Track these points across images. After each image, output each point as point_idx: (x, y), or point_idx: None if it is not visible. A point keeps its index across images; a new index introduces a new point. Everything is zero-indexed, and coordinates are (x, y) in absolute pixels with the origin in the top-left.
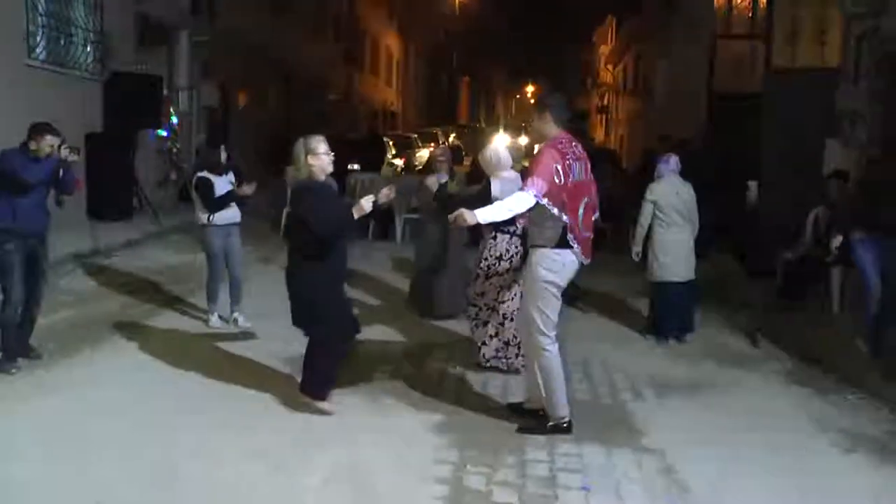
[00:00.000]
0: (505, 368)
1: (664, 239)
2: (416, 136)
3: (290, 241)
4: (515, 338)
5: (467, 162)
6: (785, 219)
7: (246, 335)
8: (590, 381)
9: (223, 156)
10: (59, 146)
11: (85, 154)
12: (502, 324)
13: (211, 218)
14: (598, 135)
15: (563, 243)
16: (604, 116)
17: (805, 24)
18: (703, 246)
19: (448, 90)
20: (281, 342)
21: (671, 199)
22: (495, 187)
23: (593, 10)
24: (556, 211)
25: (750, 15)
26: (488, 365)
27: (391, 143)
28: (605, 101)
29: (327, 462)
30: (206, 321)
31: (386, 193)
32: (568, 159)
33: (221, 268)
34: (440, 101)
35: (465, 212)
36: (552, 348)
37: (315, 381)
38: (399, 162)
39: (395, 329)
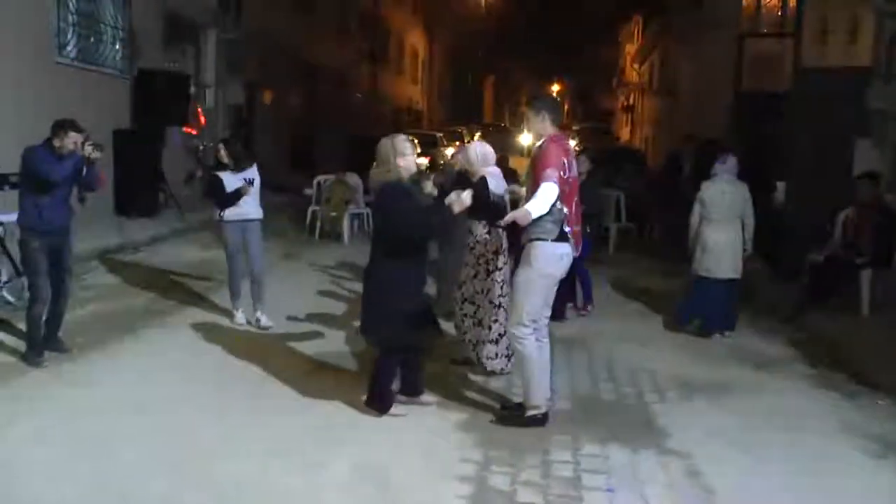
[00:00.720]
0: (510, 370)
1: (706, 236)
2: (440, 134)
3: (374, 242)
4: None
5: None
6: (813, 220)
7: (270, 333)
8: (615, 382)
9: (224, 153)
10: (83, 143)
11: (112, 151)
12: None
13: (221, 214)
14: (624, 134)
15: (561, 237)
16: (629, 116)
17: (835, 23)
18: None
19: (473, 89)
20: (306, 340)
21: (716, 198)
22: (491, 183)
23: (619, 10)
24: (558, 203)
25: (779, 13)
26: (500, 370)
27: (415, 141)
28: (631, 101)
29: (351, 459)
30: (231, 317)
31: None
32: (569, 155)
33: (240, 264)
34: (465, 100)
35: (519, 212)
36: (529, 337)
37: (378, 395)
38: (424, 160)
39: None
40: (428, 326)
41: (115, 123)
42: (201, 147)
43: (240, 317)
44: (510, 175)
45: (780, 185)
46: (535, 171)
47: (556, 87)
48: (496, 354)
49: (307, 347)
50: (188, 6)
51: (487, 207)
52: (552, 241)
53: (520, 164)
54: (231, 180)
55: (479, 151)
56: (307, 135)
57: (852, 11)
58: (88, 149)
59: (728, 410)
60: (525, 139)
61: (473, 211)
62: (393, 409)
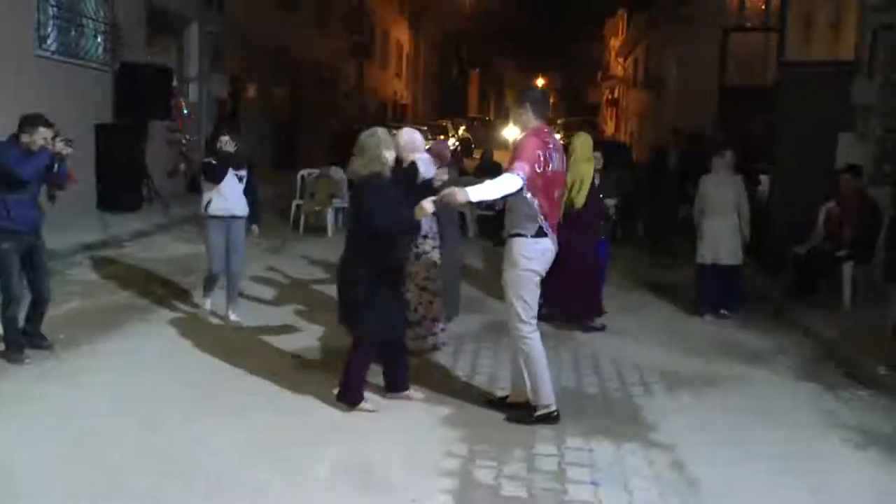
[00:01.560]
0: (431, 348)
1: (704, 226)
2: (425, 128)
3: (348, 235)
4: (443, 312)
5: (477, 155)
6: (797, 213)
7: (255, 327)
8: (599, 376)
9: (224, 144)
10: (54, 138)
11: (95, 145)
12: (431, 302)
13: (206, 209)
14: (609, 128)
15: (540, 232)
16: (614, 109)
17: (819, 17)
18: None
19: (458, 83)
20: (289, 334)
21: (711, 190)
22: (421, 167)
23: (604, 3)
24: (529, 196)
25: (763, 7)
26: (416, 349)
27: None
28: (616, 94)
29: (335, 455)
30: (203, 307)
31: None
32: (549, 149)
33: (222, 261)
34: (450, 94)
35: (456, 190)
36: (534, 335)
37: (348, 388)
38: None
39: None
40: (404, 318)
41: (97, 117)
42: (184, 141)
43: (208, 305)
44: (493, 169)
45: (765, 179)
46: (508, 162)
47: (541, 81)
48: (416, 336)
49: (290, 342)
50: None
51: (417, 192)
52: (531, 236)
53: (504, 158)
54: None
55: (408, 138)
56: (292, 129)
57: (836, 5)
58: (59, 144)
59: (713, 403)
60: (510, 133)
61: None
62: (364, 405)
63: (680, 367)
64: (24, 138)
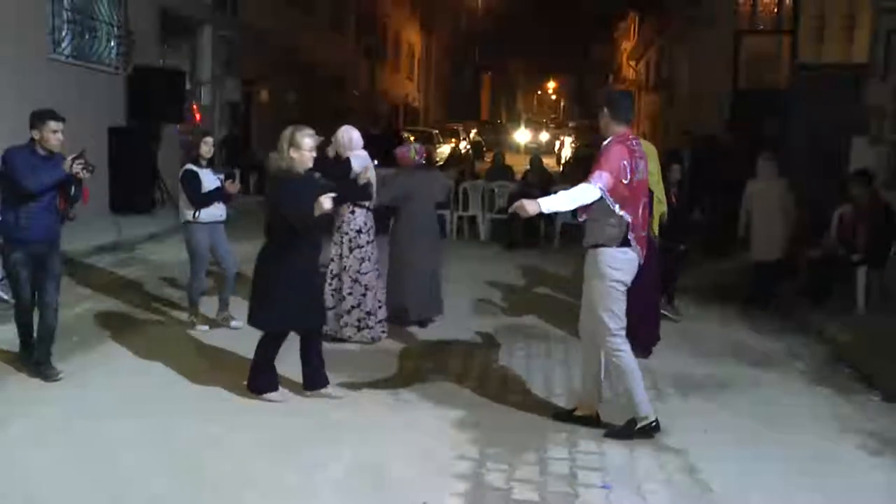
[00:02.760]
0: (368, 340)
1: (753, 225)
2: (436, 131)
3: (265, 228)
4: (379, 306)
5: (489, 158)
6: (810, 217)
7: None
8: (611, 380)
9: (205, 148)
10: (74, 160)
11: (108, 148)
12: (364, 294)
13: (197, 214)
14: None
15: (625, 242)
16: None
17: (832, 20)
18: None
19: (470, 86)
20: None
21: (756, 193)
22: (354, 163)
23: (615, 6)
24: (616, 208)
25: (776, 10)
26: (348, 337)
27: (412, 138)
28: None
29: (347, 457)
30: (192, 323)
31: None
32: (635, 157)
33: (206, 268)
34: (462, 97)
35: (525, 202)
36: (626, 347)
37: (252, 375)
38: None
39: (416, 326)
40: (313, 314)
41: (111, 121)
42: None
43: (202, 325)
44: (505, 172)
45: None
46: (592, 169)
47: (552, 85)
48: (346, 324)
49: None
50: (183, 3)
51: (351, 188)
52: (616, 246)
53: (515, 162)
54: (208, 178)
55: (347, 136)
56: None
57: (849, 8)
58: (77, 167)
59: (725, 407)
60: (521, 136)
61: (341, 192)
62: (273, 395)
63: (692, 371)
64: (35, 135)
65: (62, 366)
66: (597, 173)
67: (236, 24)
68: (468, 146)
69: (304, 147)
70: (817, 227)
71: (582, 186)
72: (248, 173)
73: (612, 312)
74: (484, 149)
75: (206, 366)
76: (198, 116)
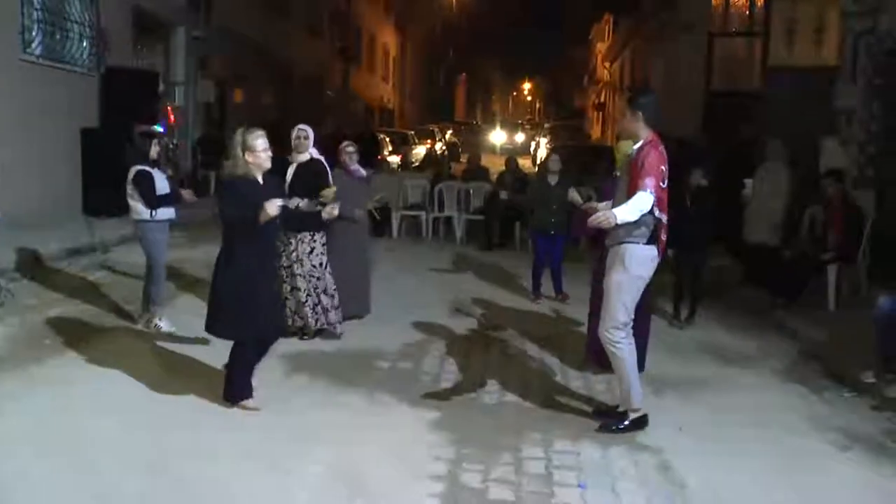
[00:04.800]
0: (327, 329)
1: (751, 207)
2: (412, 132)
3: (222, 237)
4: (334, 299)
5: (464, 159)
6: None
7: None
8: (586, 379)
9: (154, 149)
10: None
11: (80, 149)
12: (316, 288)
13: (154, 213)
14: (595, 132)
15: (651, 240)
16: (601, 114)
17: (802, 22)
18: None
19: (445, 87)
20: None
21: (762, 173)
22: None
23: (590, 8)
24: (656, 211)
25: (747, 12)
26: (308, 327)
27: (387, 139)
28: (602, 99)
29: (322, 459)
30: (157, 326)
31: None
32: (666, 161)
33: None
34: (437, 98)
35: (607, 213)
36: (625, 340)
37: (231, 384)
38: (396, 159)
39: (391, 326)
40: (272, 321)
41: (83, 122)
42: (171, 146)
43: (167, 324)
44: (481, 173)
45: (749, 183)
46: (633, 176)
47: (527, 86)
48: (304, 316)
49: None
50: (156, 3)
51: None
52: (643, 243)
53: (491, 163)
54: (160, 179)
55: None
56: (280, 133)
57: (819, 11)
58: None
59: (700, 406)
60: (497, 137)
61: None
62: (247, 402)
63: (666, 370)
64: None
65: (37, 367)
66: (646, 180)
67: (210, 25)
68: (444, 147)
69: (258, 149)
70: (790, 226)
71: (640, 195)
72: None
73: (625, 305)
74: (459, 150)
75: (182, 368)
76: (171, 118)
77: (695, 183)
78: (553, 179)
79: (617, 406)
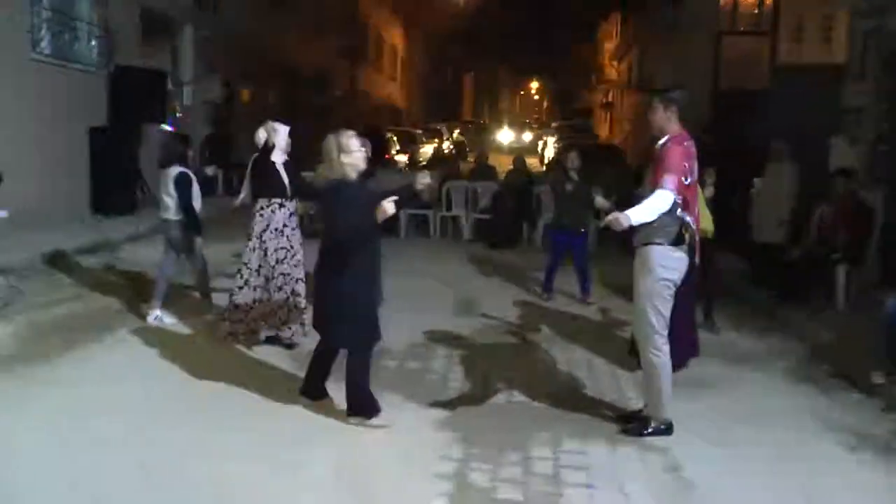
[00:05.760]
0: (296, 334)
1: (759, 207)
2: (419, 131)
3: (322, 243)
4: (303, 304)
5: (471, 158)
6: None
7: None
8: (595, 380)
9: (189, 152)
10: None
11: (89, 148)
12: (293, 290)
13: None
14: (603, 131)
15: (678, 240)
16: (609, 113)
17: (811, 21)
18: None
19: (452, 87)
20: (271, 345)
21: (768, 173)
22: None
23: (598, 7)
24: (679, 210)
25: (756, 11)
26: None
27: (395, 138)
28: (610, 98)
29: (329, 459)
30: (159, 320)
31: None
32: (691, 158)
33: None
34: (444, 97)
35: (618, 216)
36: (665, 348)
37: (363, 399)
38: (403, 158)
39: (398, 326)
40: (371, 331)
41: (92, 120)
42: None
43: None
44: (488, 172)
45: (759, 182)
46: (655, 173)
47: (535, 85)
48: (275, 321)
49: (281, 348)
50: (164, 2)
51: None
52: (668, 244)
53: (498, 162)
54: (195, 184)
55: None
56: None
57: (827, 10)
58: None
59: (707, 406)
60: (504, 136)
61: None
62: (377, 419)
63: (675, 371)
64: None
65: (43, 366)
66: (666, 177)
67: (217, 25)
68: (451, 146)
69: (353, 149)
70: (799, 225)
71: (658, 193)
72: (232, 172)
73: (658, 310)
74: (467, 149)
75: (186, 369)
76: (177, 116)
77: (710, 182)
78: (573, 176)
79: (640, 410)
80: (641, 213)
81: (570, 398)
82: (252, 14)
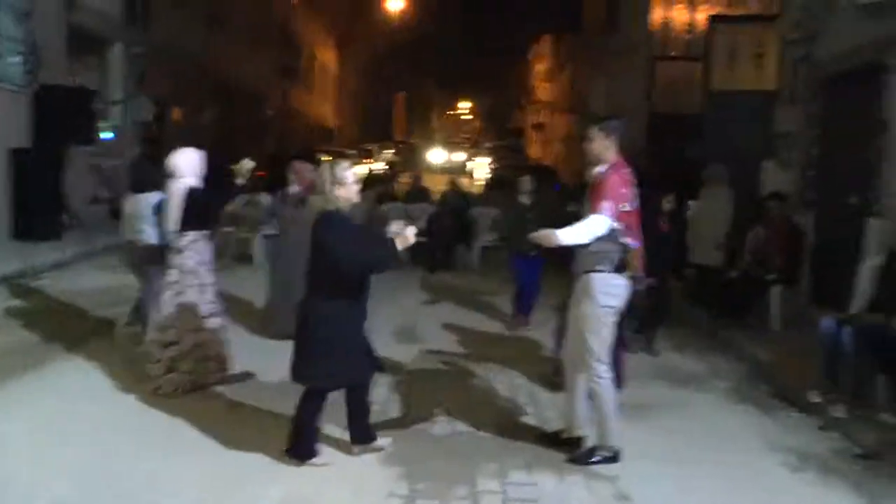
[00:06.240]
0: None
1: (696, 230)
2: (352, 152)
3: (311, 277)
4: (223, 345)
5: (403, 179)
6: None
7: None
8: (536, 406)
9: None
10: None
11: (11, 171)
12: (209, 330)
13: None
14: (535, 152)
15: (621, 267)
16: (540, 133)
17: (743, 48)
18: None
19: (384, 106)
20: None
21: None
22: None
23: (529, 28)
24: (621, 237)
25: (687, 38)
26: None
27: (327, 159)
28: (542, 119)
29: (276, 496)
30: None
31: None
32: (629, 185)
33: None
34: (376, 117)
35: (549, 232)
36: (607, 375)
37: (300, 442)
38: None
39: None
40: (368, 363)
41: (14, 141)
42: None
43: None
44: (423, 194)
45: (693, 204)
46: (592, 199)
47: (466, 105)
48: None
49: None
50: (92, 18)
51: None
52: (610, 272)
53: (432, 182)
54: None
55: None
56: (220, 152)
57: (758, 37)
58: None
59: (653, 430)
60: (436, 156)
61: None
62: (316, 459)
63: (620, 394)
64: None
65: None
66: (602, 203)
67: (148, 41)
68: (385, 167)
69: (347, 181)
70: (734, 248)
71: (593, 218)
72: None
73: (601, 338)
74: (399, 170)
75: (124, 402)
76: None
77: (667, 206)
78: (526, 200)
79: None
80: (572, 235)
81: (513, 426)
82: (185, 31)
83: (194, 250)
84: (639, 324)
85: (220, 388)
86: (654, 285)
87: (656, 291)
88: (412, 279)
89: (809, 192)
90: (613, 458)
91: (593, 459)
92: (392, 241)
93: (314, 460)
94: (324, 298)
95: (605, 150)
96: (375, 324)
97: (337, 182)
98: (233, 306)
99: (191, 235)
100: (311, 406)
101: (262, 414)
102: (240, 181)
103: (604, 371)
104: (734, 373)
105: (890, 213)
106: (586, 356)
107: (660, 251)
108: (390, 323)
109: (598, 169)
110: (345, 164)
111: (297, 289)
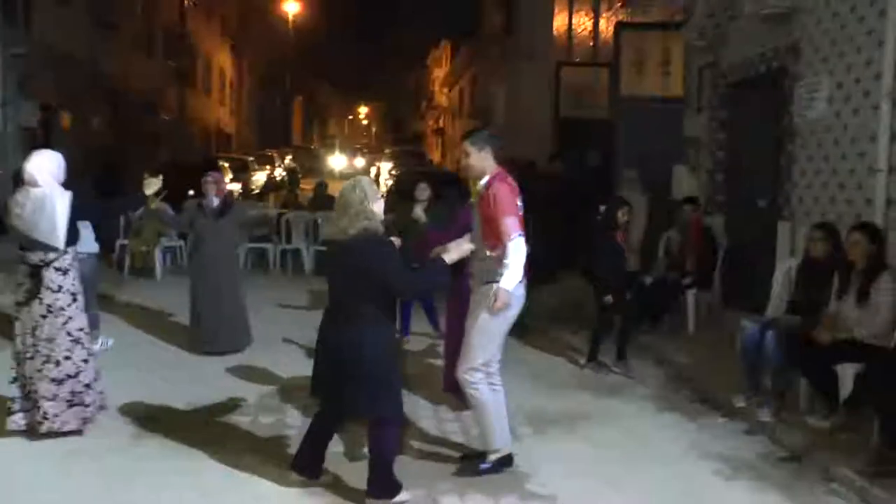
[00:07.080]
0: (79, 424)
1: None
2: (251, 158)
3: (349, 305)
4: (95, 379)
5: (305, 186)
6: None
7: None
8: (461, 421)
9: None
10: None
11: None
12: (85, 361)
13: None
14: (435, 157)
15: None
16: (440, 139)
17: (650, 55)
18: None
19: (282, 111)
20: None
21: None
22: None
23: (427, 33)
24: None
25: (591, 44)
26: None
27: (227, 166)
28: (441, 124)
29: None
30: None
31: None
32: (516, 192)
33: None
34: (274, 122)
35: (501, 296)
36: (483, 381)
37: (387, 477)
38: (236, 186)
39: (246, 374)
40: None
41: None
42: None
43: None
44: (328, 201)
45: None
46: (490, 218)
47: (364, 110)
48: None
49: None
50: None
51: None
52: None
53: (334, 188)
54: None
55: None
56: (113, 160)
57: (665, 43)
58: None
59: (583, 441)
60: (336, 162)
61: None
62: (401, 496)
63: (546, 408)
64: None
65: None
66: (509, 220)
67: (31, 42)
68: (283, 173)
69: (378, 196)
70: (646, 252)
71: (513, 245)
72: None
73: (486, 347)
74: (299, 175)
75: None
76: None
77: (623, 219)
78: (421, 208)
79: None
80: (513, 276)
81: (439, 444)
82: (72, 34)
83: (75, 269)
84: (594, 340)
85: (119, 420)
86: (613, 301)
87: (616, 306)
88: (320, 291)
89: (718, 195)
90: (506, 463)
91: (483, 467)
92: (442, 260)
93: (400, 496)
94: (373, 326)
95: (482, 161)
96: (285, 338)
97: (370, 199)
98: (152, 323)
99: (72, 252)
100: (392, 439)
101: (169, 451)
102: (149, 192)
103: (480, 378)
104: (654, 377)
105: (799, 216)
106: (467, 362)
107: (617, 265)
108: (302, 337)
109: (483, 182)
110: (367, 178)
111: (226, 301)
